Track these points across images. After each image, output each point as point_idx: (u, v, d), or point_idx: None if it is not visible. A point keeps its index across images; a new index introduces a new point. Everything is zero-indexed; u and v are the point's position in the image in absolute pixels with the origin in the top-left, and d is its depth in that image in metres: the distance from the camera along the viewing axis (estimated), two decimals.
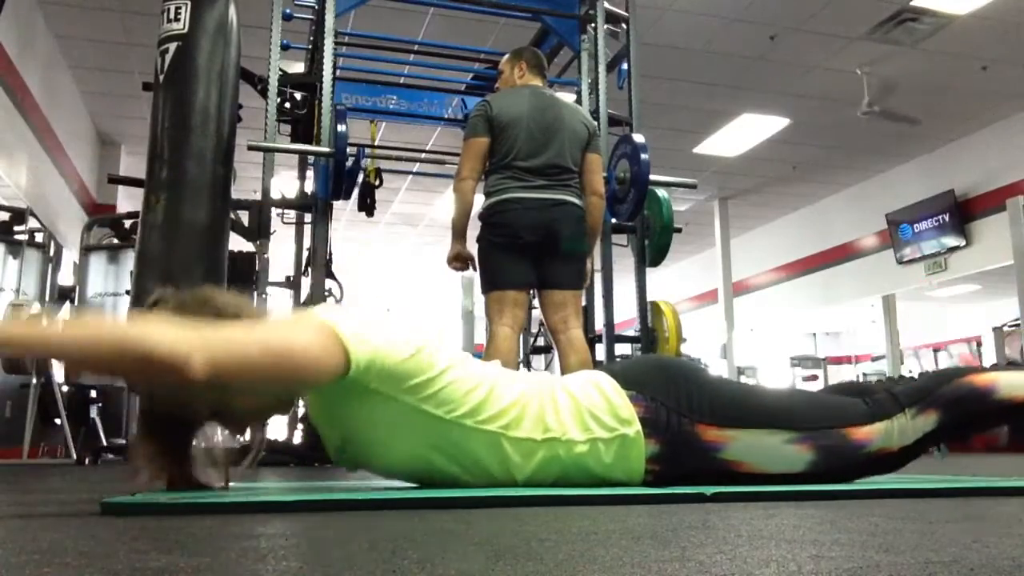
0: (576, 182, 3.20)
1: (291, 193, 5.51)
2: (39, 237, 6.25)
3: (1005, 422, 1.53)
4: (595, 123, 3.54)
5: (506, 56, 3.47)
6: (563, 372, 3.31)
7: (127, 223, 5.91)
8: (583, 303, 3.57)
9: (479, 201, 3.16)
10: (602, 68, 4.60)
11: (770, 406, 1.44)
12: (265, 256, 3.99)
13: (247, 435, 1.41)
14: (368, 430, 1.35)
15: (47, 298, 5.95)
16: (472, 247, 3.20)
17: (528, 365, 5.37)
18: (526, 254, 3.06)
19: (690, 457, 1.39)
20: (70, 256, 7.28)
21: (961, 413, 1.45)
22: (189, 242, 3.46)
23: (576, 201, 3.17)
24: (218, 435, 1.39)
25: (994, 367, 1.55)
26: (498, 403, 1.37)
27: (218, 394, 1.24)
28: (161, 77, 3.61)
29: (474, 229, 3.18)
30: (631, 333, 4.63)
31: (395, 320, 1.38)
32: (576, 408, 1.39)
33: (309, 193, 4.79)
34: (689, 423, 1.38)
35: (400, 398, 1.31)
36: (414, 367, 1.32)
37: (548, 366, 5.41)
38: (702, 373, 1.52)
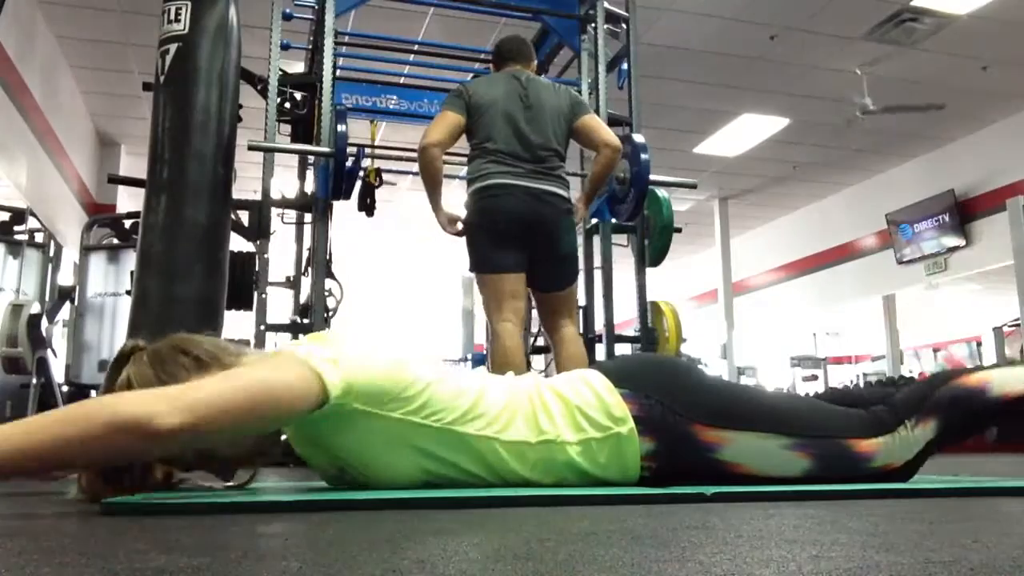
0: (561, 168, 3.18)
1: (291, 193, 5.51)
2: (39, 237, 6.25)
3: (999, 420, 1.51)
4: (579, 95, 3.52)
5: None
6: (557, 367, 3.32)
7: (127, 223, 5.91)
8: (578, 300, 3.57)
9: (462, 187, 3.17)
10: (602, 68, 4.59)
11: (768, 409, 1.41)
12: (265, 256, 3.99)
13: (235, 479, 1.40)
14: (363, 451, 1.33)
15: (47, 298, 5.95)
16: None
17: (528, 366, 5.35)
18: (512, 240, 3.05)
19: (687, 456, 1.37)
20: (70, 256, 7.28)
21: (958, 415, 1.42)
22: (189, 242, 3.45)
23: (562, 193, 3.14)
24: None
25: (989, 367, 1.50)
26: (487, 408, 1.35)
27: (200, 446, 1.21)
28: (161, 78, 3.61)
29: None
30: (631, 333, 4.63)
31: (377, 341, 1.35)
32: (567, 408, 1.37)
33: (309, 193, 4.79)
34: (685, 422, 1.36)
35: (386, 414, 1.29)
36: (393, 381, 1.29)
37: (548, 366, 5.39)
38: (697, 372, 1.49)
